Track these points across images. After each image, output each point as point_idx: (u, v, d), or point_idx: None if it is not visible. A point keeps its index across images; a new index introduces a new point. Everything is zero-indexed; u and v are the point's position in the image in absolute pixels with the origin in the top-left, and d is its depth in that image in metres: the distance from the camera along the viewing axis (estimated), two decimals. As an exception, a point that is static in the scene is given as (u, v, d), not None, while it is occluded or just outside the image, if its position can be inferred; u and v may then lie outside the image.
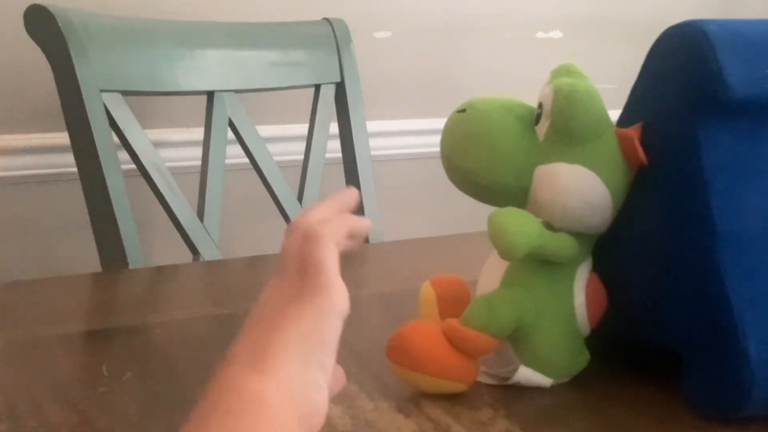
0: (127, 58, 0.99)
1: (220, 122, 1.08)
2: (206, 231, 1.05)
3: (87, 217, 0.97)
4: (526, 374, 0.59)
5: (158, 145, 1.12)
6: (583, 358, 0.61)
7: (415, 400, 0.58)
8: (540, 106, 0.60)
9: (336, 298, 0.42)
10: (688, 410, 0.57)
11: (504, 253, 0.57)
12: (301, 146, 1.17)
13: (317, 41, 1.17)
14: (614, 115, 0.62)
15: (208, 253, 1.04)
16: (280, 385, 0.39)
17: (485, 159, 0.60)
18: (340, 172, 1.19)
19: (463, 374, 0.58)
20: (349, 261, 0.68)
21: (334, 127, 1.19)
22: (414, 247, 1.01)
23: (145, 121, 1.04)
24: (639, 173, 0.60)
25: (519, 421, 0.56)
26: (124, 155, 0.98)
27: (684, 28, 0.56)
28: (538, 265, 0.60)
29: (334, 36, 1.18)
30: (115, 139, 0.97)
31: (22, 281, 0.95)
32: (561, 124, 0.58)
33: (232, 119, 1.09)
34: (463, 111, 0.62)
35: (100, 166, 0.94)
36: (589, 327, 0.61)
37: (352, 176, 1.19)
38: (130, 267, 0.95)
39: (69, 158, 0.97)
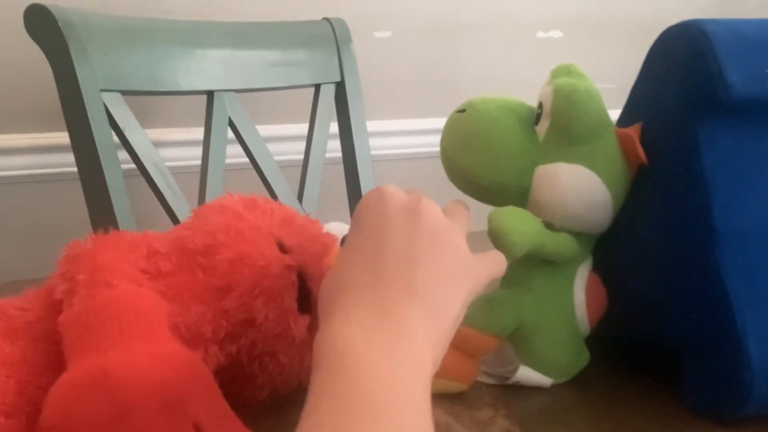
0: (127, 58, 0.99)
1: (220, 122, 1.08)
2: (206, 231, 1.04)
3: (87, 217, 0.97)
4: (526, 374, 0.59)
5: (158, 144, 1.12)
6: (583, 358, 0.61)
7: (415, 399, 0.57)
8: (540, 106, 0.60)
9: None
10: (688, 410, 0.57)
11: (504, 253, 0.57)
12: (301, 146, 1.17)
13: (317, 41, 1.17)
14: (614, 115, 0.62)
15: (208, 253, 1.04)
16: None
17: (485, 159, 0.60)
18: (340, 171, 1.19)
19: (463, 374, 0.58)
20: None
21: (334, 127, 1.19)
22: (414, 247, 1.00)
23: (145, 121, 1.04)
24: (639, 173, 0.60)
25: (519, 421, 0.56)
26: (124, 155, 0.98)
27: (684, 28, 0.56)
28: (538, 265, 0.59)
29: (334, 36, 1.18)
30: (115, 138, 0.97)
31: (22, 281, 0.95)
32: (561, 124, 0.58)
33: (232, 119, 1.09)
34: (463, 111, 0.62)
35: (100, 166, 0.94)
36: (589, 327, 0.61)
37: (352, 176, 1.19)
38: (130, 267, 0.94)
39: (69, 158, 0.97)
